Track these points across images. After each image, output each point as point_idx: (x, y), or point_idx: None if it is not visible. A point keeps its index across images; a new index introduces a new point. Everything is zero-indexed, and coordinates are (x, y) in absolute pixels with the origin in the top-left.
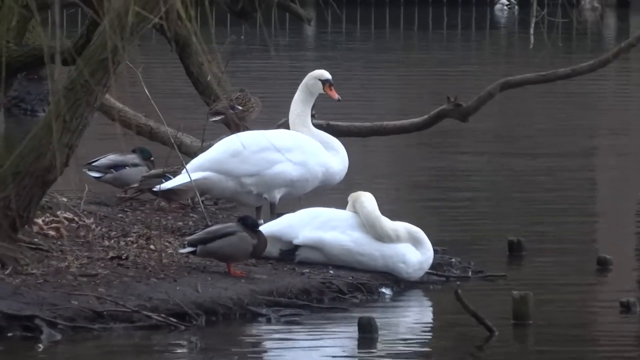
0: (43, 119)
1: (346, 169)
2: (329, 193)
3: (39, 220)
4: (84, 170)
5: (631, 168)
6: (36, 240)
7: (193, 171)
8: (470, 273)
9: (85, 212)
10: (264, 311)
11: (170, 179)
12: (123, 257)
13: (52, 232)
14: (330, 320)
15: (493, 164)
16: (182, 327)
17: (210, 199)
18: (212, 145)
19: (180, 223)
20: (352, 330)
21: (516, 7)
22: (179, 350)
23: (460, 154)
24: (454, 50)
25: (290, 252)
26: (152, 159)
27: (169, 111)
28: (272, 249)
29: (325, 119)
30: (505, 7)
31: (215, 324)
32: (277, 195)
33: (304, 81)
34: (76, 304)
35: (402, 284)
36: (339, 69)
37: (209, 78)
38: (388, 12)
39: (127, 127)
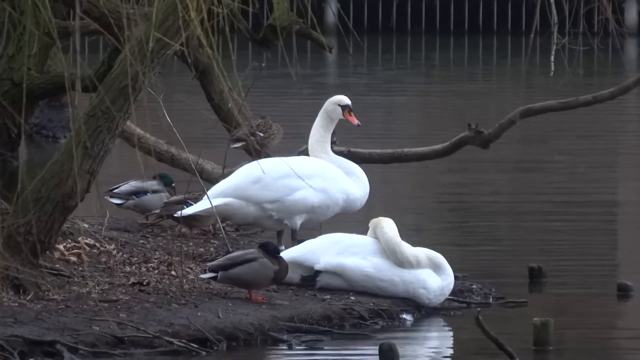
0: (64, 145)
1: (367, 196)
2: (350, 219)
3: (60, 246)
4: (105, 197)
5: None
6: (57, 266)
7: (214, 197)
8: (491, 299)
9: (106, 238)
10: (285, 337)
11: (192, 205)
12: (144, 283)
13: (73, 258)
14: (351, 346)
15: (513, 190)
16: (204, 353)
17: (232, 225)
18: (233, 171)
19: (201, 249)
20: (373, 356)
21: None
22: None
23: (481, 180)
24: (476, 79)
25: (311, 278)
26: (173, 185)
27: (190, 138)
28: (293, 275)
29: (346, 145)
30: None
31: (236, 350)
32: (298, 221)
33: (323, 107)
34: (97, 329)
35: (423, 310)
36: (360, 95)
37: (230, 105)
38: (410, 40)
39: (148, 153)
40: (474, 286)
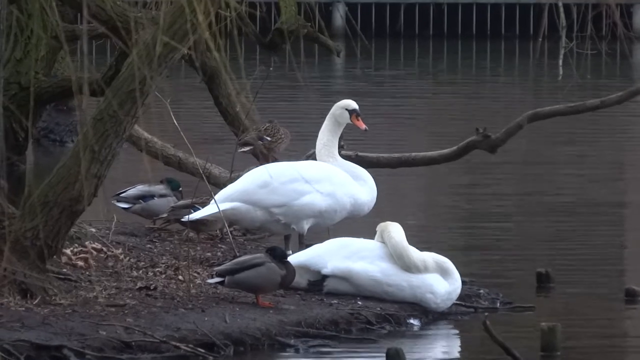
0: (72, 149)
1: (374, 200)
2: (357, 223)
3: (68, 251)
4: (112, 201)
5: None
6: (64, 270)
7: (222, 202)
8: (498, 304)
9: (113, 243)
10: (292, 342)
11: (199, 209)
12: (151, 288)
13: (80, 263)
14: (359, 351)
15: (521, 195)
16: (210, 358)
17: (239, 229)
18: (241, 176)
19: (208, 254)
20: None
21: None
22: None
23: (488, 184)
24: (483, 81)
25: (318, 283)
26: (180, 189)
27: (197, 142)
28: (300, 280)
29: (354, 149)
30: None
31: (243, 355)
32: (306, 225)
33: (331, 111)
34: (104, 334)
35: (430, 315)
36: (367, 99)
37: (237, 109)
38: (417, 45)
39: (155, 157)
40: (482, 291)
